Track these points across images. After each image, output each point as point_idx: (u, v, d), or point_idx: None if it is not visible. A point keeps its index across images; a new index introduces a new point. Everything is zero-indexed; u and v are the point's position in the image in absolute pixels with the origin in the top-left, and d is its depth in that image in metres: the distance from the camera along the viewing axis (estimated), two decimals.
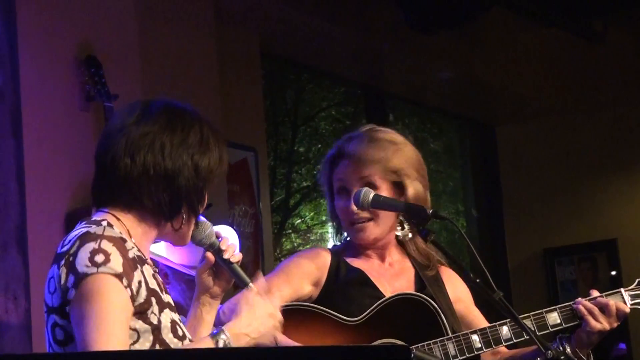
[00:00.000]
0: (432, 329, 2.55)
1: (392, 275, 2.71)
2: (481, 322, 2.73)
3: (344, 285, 2.66)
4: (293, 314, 2.56)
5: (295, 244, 7.30)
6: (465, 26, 5.91)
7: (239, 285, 2.14)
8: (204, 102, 4.42)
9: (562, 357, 2.11)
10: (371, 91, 6.58)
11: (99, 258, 1.90)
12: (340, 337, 2.56)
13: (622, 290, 2.66)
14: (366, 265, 2.71)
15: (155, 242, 2.11)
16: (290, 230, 7.32)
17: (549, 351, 2.15)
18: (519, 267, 7.20)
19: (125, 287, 1.91)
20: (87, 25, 4.03)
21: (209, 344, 1.98)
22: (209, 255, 2.15)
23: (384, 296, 2.63)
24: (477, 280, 2.30)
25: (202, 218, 2.13)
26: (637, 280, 2.68)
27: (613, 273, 6.80)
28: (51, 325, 1.96)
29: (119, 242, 1.93)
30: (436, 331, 2.56)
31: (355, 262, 2.71)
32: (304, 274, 2.66)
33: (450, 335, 2.55)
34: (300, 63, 6.23)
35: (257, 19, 5.35)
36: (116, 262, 1.91)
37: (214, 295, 2.17)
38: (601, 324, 2.58)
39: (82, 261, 1.90)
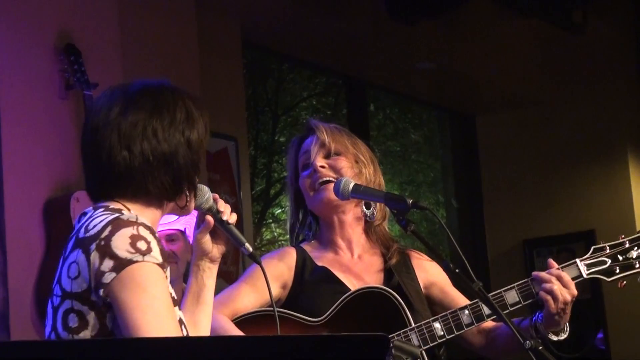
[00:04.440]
0: (396, 322, 2.54)
1: (360, 270, 2.69)
2: (461, 301, 2.70)
3: (310, 285, 2.64)
4: (257, 320, 2.57)
5: (275, 234, 7.30)
6: (445, 16, 5.92)
7: (236, 246, 2.17)
8: (187, 90, 4.40)
9: (540, 348, 2.11)
10: (352, 81, 6.58)
11: (142, 245, 1.90)
12: None
13: (577, 260, 2.64)
14: (334, 260, 2.69)
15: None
16: (271, 220, 7.31)
17: (527, 342, 2.15)
18: (499, 257, 7.23)
19: (165, 279, 1.93)
20: (66, 13, 4.00)
21: None
22: (209, 218, 2.16)
23: (350, 291, 2.61)
24: (457, 271, 2.30)
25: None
26: (592, 249, 2.68)
27: None
28: (64, 311, 1.94)
29: (153, 232, 1.94)
30: (400, 323, 2.54)
31: (323, 258, 2.69)
32: (271, 278, 2.64)
33: (413, 325, 2.54)
34: (281, 52, 6.21)
35: (239, 8, 5.34)
36: (157, 252, 1.92)
37: (213, 259, 2.19)
38: (562, 307, 2.55)
39: (122, 246, 1.89)
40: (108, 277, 1.88)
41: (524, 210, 7.12)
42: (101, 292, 1.89)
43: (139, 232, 1.91)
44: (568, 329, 2.60)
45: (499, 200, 7.26)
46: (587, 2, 6.30)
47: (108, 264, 1.88)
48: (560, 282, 2.56)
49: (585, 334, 6.68)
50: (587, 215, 6.94)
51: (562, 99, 7.02)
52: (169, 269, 1.98)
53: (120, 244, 1.89)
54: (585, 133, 6.99)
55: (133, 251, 1.89)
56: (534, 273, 2.61)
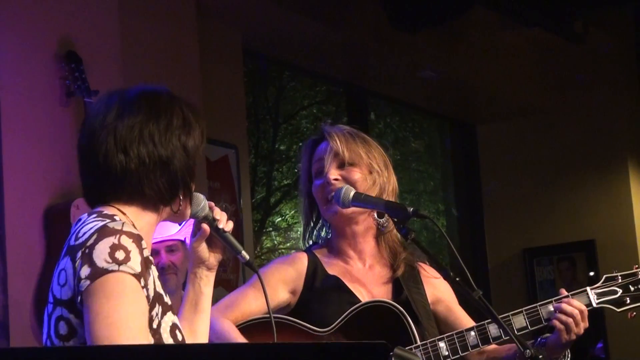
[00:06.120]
0: (402, 338, 2.54)
1: (370, 280, 2.69)
2: (465, 321, 2.70)
3: (320, 293, 2.64)
4: (261, 326, 2.56)
5: (275, 242, 7.29)
6: (447, 25, 5.92)
7: (232, 254, 2.18)
8: (185, 98, 4.41)
9: (540, 357, 2.11)
10: (353, 90, 6.58)
11: (120, 255, 1.90)
12: None
13: (588, 289, 2.62)
14: (344, 269, 2.69)
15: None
16: (271, 228, 7.31)
17: (528, 350, 2.15)
18: (499, 266, 7.22)
19: (142, 288, 1.92)
20: (67, 20, 4.01)
21: None
22: (205, 226, 2.16)
23: (360, 302, 2.61)
24: (457, 279, 2.30)
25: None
26: (604, 277, 2.66)
27: (591, 273, 6.83)
28: (56, 318, 1.95)
29: (138, 240, 1.94)
30: (406, 339, 2.54)
31: (334, 266, 2.69)
32: (280, 283, 2.64)
33: (419, 343, 2.54)
34: (282, 60, 6.22)
35: (240, 16, 5.35)
36: (135, 262, 1.91)
37: (210, 267, 2.19)
38: (574, 335, 2.56)
39: (101, 255, 1.90)
40: (84, 285, 1.89)
41: (524, 219, 7.12)
42: (79, 299, 1.90)
43: (119, 242, 1.91)
44: (569, 355, 2.59)
45: (499, 209, 7.25)
46: (588, 12, 6.31)
47: (86, 271, 1.89)
48: (580, 317, 2.56)
49: (585, 343, 6.67)
50: (588, 224, 6.93)
51: (563, 108, 7.02)
52: (152, 276, 1.96)
53: (100, 252, 1.90)
54: (586, 142, 6.99)
55: (110, 261, 1.89)
56: (555, 305, 2.58)
